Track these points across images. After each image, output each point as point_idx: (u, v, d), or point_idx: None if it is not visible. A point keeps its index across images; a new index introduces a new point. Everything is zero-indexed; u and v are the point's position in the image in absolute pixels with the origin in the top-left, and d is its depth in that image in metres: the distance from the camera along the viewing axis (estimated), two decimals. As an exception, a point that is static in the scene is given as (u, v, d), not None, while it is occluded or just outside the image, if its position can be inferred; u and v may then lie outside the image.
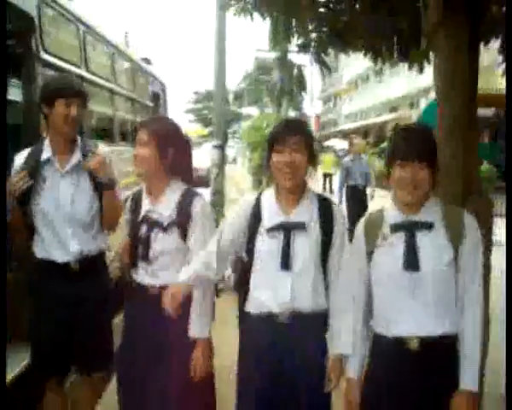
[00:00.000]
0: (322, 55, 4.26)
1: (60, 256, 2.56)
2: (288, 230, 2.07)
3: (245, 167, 23.91)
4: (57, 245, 2.55)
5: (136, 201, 2.37)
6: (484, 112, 17.00)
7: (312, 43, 4.10)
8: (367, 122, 35.85)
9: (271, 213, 2.13)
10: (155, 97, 7.29)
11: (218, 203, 8.51)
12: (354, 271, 2.13)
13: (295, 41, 4.35)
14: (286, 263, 2.04)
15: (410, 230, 1.96)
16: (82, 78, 4.01)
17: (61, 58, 3.70)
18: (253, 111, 42.13)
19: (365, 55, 4.32)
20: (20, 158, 2.57)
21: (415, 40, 3.79)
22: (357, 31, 3.86)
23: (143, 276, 2.33)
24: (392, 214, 2.03)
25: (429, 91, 25.61)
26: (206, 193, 2.30)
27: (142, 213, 2.31)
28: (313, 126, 57.39)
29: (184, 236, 2.26)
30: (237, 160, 40.15)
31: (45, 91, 2.53)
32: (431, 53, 3.54)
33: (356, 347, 2.10)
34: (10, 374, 2.95)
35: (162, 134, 2.24)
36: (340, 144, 40.82)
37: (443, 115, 2.61)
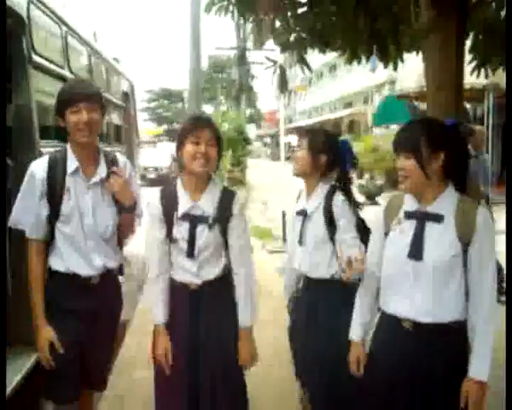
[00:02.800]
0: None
1: (82, 270, 2.45)
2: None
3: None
4: (78, 258, 2.44)
5: (168, 199, 2.38)
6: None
7: (293, 43, 4.23)
8: (322, 118, 36.36)
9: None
10: (125, 97, 7.24)
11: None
12: (373, 245, 2.28)
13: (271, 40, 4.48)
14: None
15: (420, 219, 2.05)
16: (65, 79, 3.98)
17: (47, 59, 3.67)
18: (208, 109, 42.00)
19: (343, 53, 4.49)
20: (40, 169, 2.41)
21: (392, 39, 4.00)
22: (336, 31, 4.03)
23: (184, 274, 2.38)
24: (409, 202, 2.13)
25: (383, 87, 26.35)
26: None
27: (182, 210, 2.33)
28: (269, 123, 57.94)
29: (223, 231, 2.37)
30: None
31: (56, 104, 2.46)
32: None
33: (361, 313, 2.28)
34: (13, 379, 2.95)
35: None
36: (295, 140, 41.33)
37: (433, 109, 2.79)
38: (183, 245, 2.33)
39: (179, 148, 2.33)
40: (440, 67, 2.76)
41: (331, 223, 2.57)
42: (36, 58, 3.40)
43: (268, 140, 56.73)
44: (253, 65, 27.94)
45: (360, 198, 14.94)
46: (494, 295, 2.01)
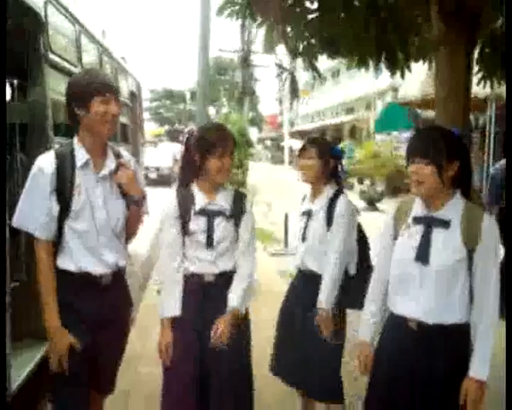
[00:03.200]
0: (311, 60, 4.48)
1: (94, 268, 2.31)
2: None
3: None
4: (90, 256, 2.31)
5: (185, 197, 2.48)
6: (433, 114, 17.68)
7: (303, 50, 4.31)
8: (324, 123, 36.48)
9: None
10: (132, 96, 7.31)
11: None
12: (382, 248, 2.35)
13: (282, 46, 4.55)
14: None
15: (428, 225, 2.12)
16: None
17: (62, 58, 3.74)
18: (210, 111, 41.98)
19: (351, 61, 4.56)
20: (48, 164, 2.24)
21: (400, 48, 4.07)
22: (347, 40, 4.10)
23: (201, 264, 2.47)
24: (418, 207, 2.20)
25: (385, 94, 26.43)
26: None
27: (199, 206, 2.45)
28: (270, 126, 58.08)
29: (237, 227, 2.52)
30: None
31: (78, 91, 2.23)
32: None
33: (370, 313, 2.35)
34: (22, 371, 3.01)
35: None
36: (296, 144, 41.46)
37: (442, 118, 2.87)
38: (201, 237, 2.43)
39: (202, 157, 2.42)
40: (450, 78, 2.84)
41: (330, 222, 2.84)
42: (52, 57, 3.48)
43: (269, 143, 56.85)
44: (256, 68, 28.11)
45: (360, 204, 15.07)
46: (497, 299, 2.07)
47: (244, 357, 2.55)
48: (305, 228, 2.95)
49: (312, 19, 4.04)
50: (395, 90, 23.95)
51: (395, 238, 2.26)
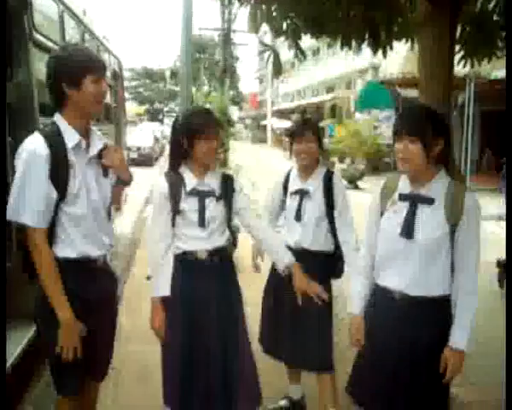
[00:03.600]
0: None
1: (92, 251, 2.27)
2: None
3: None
4: (88, 239, 2.25)
5: (175, 179, 2.53)
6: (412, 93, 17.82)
7: (288, 29, 4.31)
8: (304, 102, 36.42)
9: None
10: (115, 75, 7.24)
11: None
12: (370, 224, 2.43)
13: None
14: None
15: (413, 201, 2.21)
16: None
17: (46, 37, 3.70)
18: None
19: (335, 40, 4.59)
20: (41, 146, 2.09)
21: (384, 27, 4.11)
22: (332, 19, 4.12)
23: (194, 241, 2.53)
24: (403, 184, 2.28)
25: (366, 72, 26.49)
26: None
27: (189, 186, 2.51)
28: (250, 105, 57.76)
29: (228, 206, 2.61)
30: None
31: (69, 69, 2.12)
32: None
33: (360, 288, 2.45)
34: (14, 351, 3.05)
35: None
36: (277, 123, 41.37)
37: (425, 97, 2.94)
38: (193, 216, 2.50)
39: (190, 141, 2.48)
40: (434, 58, 2.90)
41: (329, 202, 2.94)
42: (36, 36, 3.44)
43: (249, 122, 56.63)
44: (236, 46, 27.84)
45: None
46: (477, 272, 2.17)
47: (237, 327, 2.61)
48: (299, 208, 3.00)
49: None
50: (375, 68, 24.03)
51: (382, 214, 2.34)
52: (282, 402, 3.30)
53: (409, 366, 2.21)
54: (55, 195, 2.12)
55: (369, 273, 2.43)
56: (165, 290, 2.52)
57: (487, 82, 14.41)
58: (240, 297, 2.68)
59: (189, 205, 2.50)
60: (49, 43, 3.77)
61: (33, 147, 2.08)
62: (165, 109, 57.51)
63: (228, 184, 2.63)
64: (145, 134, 23.15)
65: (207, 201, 2.53)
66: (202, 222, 2.50)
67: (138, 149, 20.94)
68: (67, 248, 2.20)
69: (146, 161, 20.43)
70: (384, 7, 3.70)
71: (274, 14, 4.18)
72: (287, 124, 35.80)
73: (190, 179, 2.52)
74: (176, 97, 50.49)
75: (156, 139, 24.58)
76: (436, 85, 2.89)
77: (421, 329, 2.19)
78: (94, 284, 2.29)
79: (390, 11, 3.77)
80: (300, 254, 2.89)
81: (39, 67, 3.49)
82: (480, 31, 3.97)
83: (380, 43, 4.34)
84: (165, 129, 32.52)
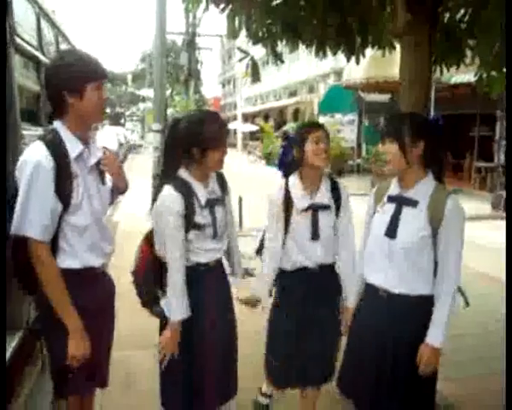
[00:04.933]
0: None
1: (95, 260, 2.27)
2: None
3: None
4: (90, 248, 2.23)
5: (187, 192, 2.37)
6: (381, 97, 18.29)
7: (266, 35, 4.40)
8: (267, 106, 36.67)
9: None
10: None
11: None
12: (365, 224, 2.58)
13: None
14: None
15: (399, 203, 2.34)
16: (39, 62, 3.96)
17: (25, 41, 3.65)
18: (151, 93, 41.23)
19: (310, 46, 4.70)
20: (44, 157, 2.04)
21: (360, 36, 4.26)
22: (309, 26, 4.23)
23: (208, 254, 2.48)
24: (393, 187, 2.43)
25: (328, 77, 26.90)
26: None
27: (203, 198, 2.42)
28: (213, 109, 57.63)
29: (225, 206, 2.62)
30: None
31: (71, 77, 2.09)
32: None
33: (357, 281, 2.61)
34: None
35: None
36: (241, 127, 41.46)
37: (407, 99, 3.09)
38: (208, 230, 2.43)
39: (204, 152, 2.35)
40: (414, 65, 3.05)
41: (338, 211, 2.77)
42: (17, 40, 3.39)
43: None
44: (199, 51, 27.77)
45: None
46: (457, 274, 2.28)
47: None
48: (315, 225, 2.70)
49: (277, 4, 4.13)
50: (338, 73, 24.45)
51: (373, 214, 2.49)
52: None
53: (391, 361, 2.32)
54: (60, 207, 2.10)
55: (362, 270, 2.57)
56: (188, 311, 2.39)
57: (448, 87, 14.95)
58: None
59: (204, 218, 2.40)
60: (29, 48, 3.72)
61: (38, 159, 2.03)
62: (127, 113, 56.88)
63: (223, 183, 2.61)
64: (109, 138, 22.83)
65: (216, 208, 2.47)
66: (215, 234, 2.45)
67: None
68: (70, 259, 2.18)
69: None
70: (359, 16, 3.83)
71: (252, 18, 4.26)
72: (251, 127, 35.91)
73: (200, 190, 2.41)
74: (137, 101, 49.91)
75: (120, 144, 24.29)
76: (418, 90, 3.05)
77: (404, 326, 2.30)
78: (95, 293, 2.30)
79: (365, 20, 3.91)
80: (320, 271, 2.76)
81: (19, 71, 3.44)
82: (448, 39, 4.15)
83: (354, 51, 4.48)
84: (127, 133, 32.10)
